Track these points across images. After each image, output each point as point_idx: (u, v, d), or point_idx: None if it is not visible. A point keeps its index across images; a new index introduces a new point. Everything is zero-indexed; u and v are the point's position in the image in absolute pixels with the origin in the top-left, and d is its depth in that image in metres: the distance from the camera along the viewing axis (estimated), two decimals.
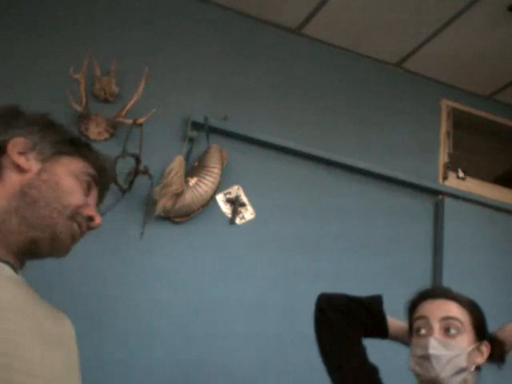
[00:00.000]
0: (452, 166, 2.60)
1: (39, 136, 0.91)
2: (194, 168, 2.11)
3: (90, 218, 0.93)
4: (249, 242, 2.15)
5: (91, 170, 0.97)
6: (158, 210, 1.98)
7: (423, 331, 1.28)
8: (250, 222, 2.18)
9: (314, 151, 2.33)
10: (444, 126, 2.66)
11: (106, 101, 2.11)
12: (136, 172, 1.98)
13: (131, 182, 1.97)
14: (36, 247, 0.86)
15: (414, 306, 1.39)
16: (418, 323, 1.31)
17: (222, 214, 2.15)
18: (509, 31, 2.38)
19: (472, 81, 2.71)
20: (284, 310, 2.13)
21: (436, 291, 1.38)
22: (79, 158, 0.96)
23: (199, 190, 2.04)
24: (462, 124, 2.70)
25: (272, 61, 2.44)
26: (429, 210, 2.49)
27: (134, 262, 1.98)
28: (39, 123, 0.93)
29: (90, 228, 0.93)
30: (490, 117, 2.77)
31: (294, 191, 2.29)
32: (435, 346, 1.23)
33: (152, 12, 2.31)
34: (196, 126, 2.17)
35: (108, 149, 2.03)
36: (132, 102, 2.03)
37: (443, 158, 2.60)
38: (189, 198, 2.02)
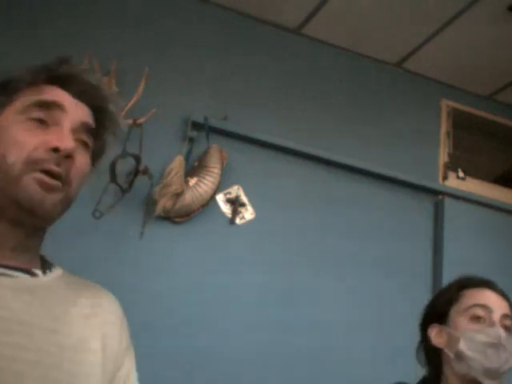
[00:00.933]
0: (452, 165, 2.60)
1: None
2: (193, 168, 2.11)
3: (55, 150, 0.74)
4: (249, 242, 2.15)
5: (33, 97, 0.78)
6: (158, 209, 1.98)
7: (483, 320, 1.25)
8: (250, 222, 2.18)
9: (313, 151, 2.33)
10: (444, 126, 2.66)
11: None
12: (136, 172, 1.98)
13: (131, 182, 1.97)
14: (22, 225, 0.75)
15: (462, 288, 1.32)
16: (476, 310, 1.26)
17: (222, 213, 2.15)
18: (509, 31, 2.38)
19: (472, 81, 2.70)
20: (284, 310, 2.12)
21: (495, 284, 1.35)
22: (17, 100, 0.79)
23: (199, 190, 2.04)
24: (462, 124, 2.70)
25: (272, 61, 2.44)
26: (429, 210, 2.49)
27: (134, 262, 1.98)
28: None
29: (64, 157, 0.75)
30: (490, 117, 2.77)
31: (294, 191, 2.29)
32: (505, 337, 1.22)
33: (152, 12, 2.31)
34: (196, 126, 2.17)
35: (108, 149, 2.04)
36: (132, 102, 2.02)
37: (443, 157, 2.60)
38: (189, 198, 2.02)
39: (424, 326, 1.37)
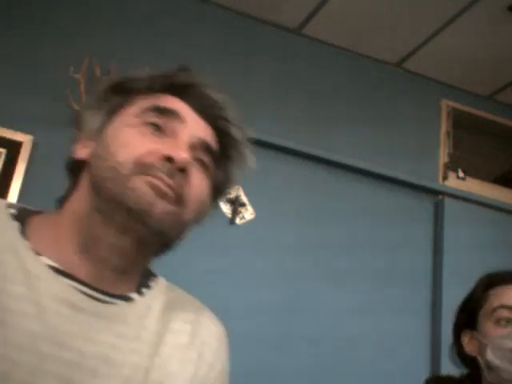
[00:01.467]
0: (452, 165, 2.59)
1: (88, 111, 0.76)
2: None
3: (169, 159, 0.66)
4: (249, 242, 2.15)
5: (152, 101, 0.72)
6: None
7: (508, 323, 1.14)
8: (250, 222, 2.18)
9: (313, 151, 2.33)
10: (444, 126, 2.66)
11: None
12: None
13: None
14: (125, 231, 0.67)
15: (488, 287, 1.22)
16: (502, 312, 1.15)
17: (222, 213, 2.15)
18: (509, 31, 2.38)
19: (472, 81, 2.70)
20: (284, 310, 2.12)
21: None
22: (134, 103, 0.73)
23: None
24: (462, 124, 2.70)
25: (272, 61, 2.44)
26: (429, 210, 2.49)
27: None
28: (95, 98, 0.76)
29: (177, 170, 0.67)
30: (490, 117, 2.77)
31: (294, 191, 2.29)
32: None
33: (152, 12, 2.31)
34: None
35: None
36: None
37: (443, 157, 2.60)
38: None
39: (457, 331, 1.25)
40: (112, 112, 0.73)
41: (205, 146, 0.72)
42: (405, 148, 2.54)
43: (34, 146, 1.96)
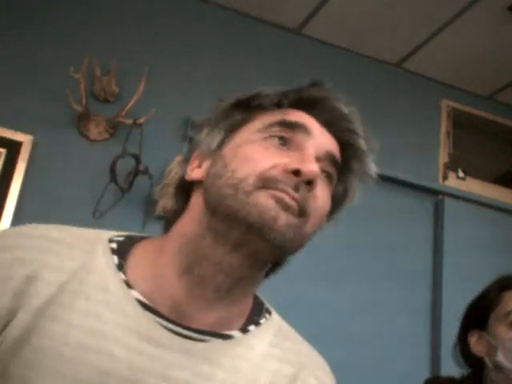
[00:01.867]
0: (452, 165, 2.59)
1: (206, 128, 0.72)
2: None
3: (296, 173, 0.64)
4: None
5: (277, 116, 0.69)
6: (158, 209, 1.98)
7: None
8: None
9: None
10: (444, 126, 2.66)
11: (105, 101, 2.11)
12: (136, 172, 1.98)
13: (131, 182, 1.97)
14: (255, 259, 0.65)
15: (502, 290, 1.21)
16: None
17: None
18: (509, 31, 2.38)
19: (472, 81, 2.70)
20: (283, 310, 2.12)
21: None
22: (257, 119, 0.70)
23: None
24: (462, 124, 2.70)
25: (272, 61, 2.44)
26: (429, 210, 2.49)
27: None
28: (209, 119, 0.73)
29: (304, 183, 0.64)
30: (490, 117, 2.77)
31: None
32: None
33: (152, 12, 2.31)
34: (196, 126, 2.17)
35: (108, 149, 2.04)
36: (132, 102, 2.03)
37: (443, 157, 2.60)
38: None
39: (464, 330, 1.25)
40: (232, 129, 0.70)
41: (330, 158, 0.70)
42: (405, 148, 2.54)
43: (34, 146, 1.96)
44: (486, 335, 1.18)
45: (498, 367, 1.13)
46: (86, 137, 2.03)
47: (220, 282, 0.65)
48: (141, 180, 2.00)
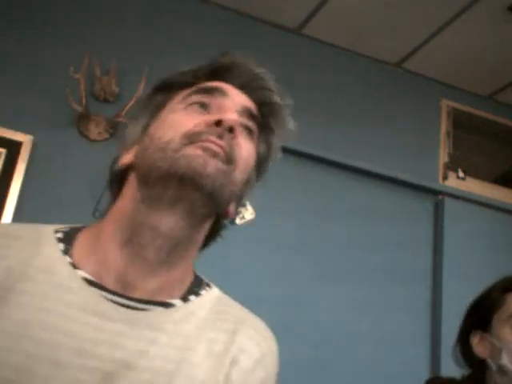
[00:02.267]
0: (452, 165, 2.60)
1: (133, 120, 0.77)
2: None
3: (217, 123, 0.69)
4: (249, 242, 2.15)
5: (199, 86, 0.74)
6: None
7: None
8: (250, 222, 2.18)
9: (314, 151, 2.33)
10: (444, 126, 2.66)
11: (105, 101, 2.11)
12: None
13: None
14: (180, 194, 0.67)
15: (505, 291, 1.20)
16: None
17: None
18: (509, 31, 2.38)
19: (472, 81, 2.70)
20: (284, 310, 2.12)
21: None
22: (176, 95, 0.75)
23: None
24: (462, 124, 2.70)
25: (272, 61, 2.43)
26: (429, 210, 2.49)
27: None
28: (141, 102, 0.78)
29: (227, 131, 0.69)
30: (490, 117, 2.77)
31: (294, 191, 2.29)
32: None
33: (152, 12, 2.31)
34: None
35: (108, 149, 2.04)
36: (132, 102, 2.02)
37: (443, 157, 2.60)
38: None
39: (465, 331, 1.23)
40: (156, 111, 0.75)
41: (248, 113, 0.75)
42: (405, 148, 2.54)
43: (34, 146, 1.96)
44: (489, 336, 1.17)
45: (503, 370, 1.12)
46: (86, 137, 2.03)
47: (159, 246, 0.69)
48: None
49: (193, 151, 0.66)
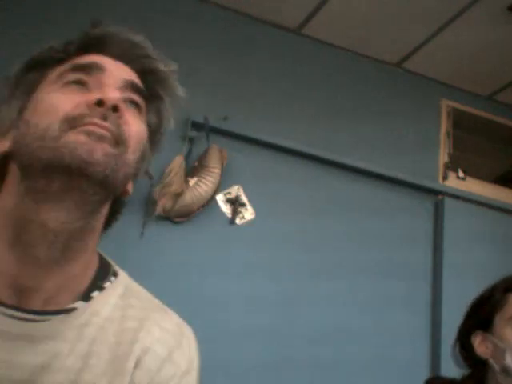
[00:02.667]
0: (452, 165, 2.60)
1: (4, 104, 0.69)
2: (193, 168, 2.11)
3: (99, 103, 0.62)
4: (249, 242, 2.15)
5: (74, 62, 0.68)
6: (158, 209, 1.98)
7: None
8: (250, 222, 2.18)
9: (314, 151, 2.33)
10: (444, 126, 2.66)
11: None
12: None
13: None
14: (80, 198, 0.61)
15: (507, 291, 1.20)
16: None
17: (222, 214, 2.15)
18: (509, 31, 2.38)
19: (472, 81, 2.70)
20: (284, 309, 2.12)
21: None
22: (49, 73, 0.69)
23: (199, 190, 2.04)
24: (462, 124, 2.70)
25: (272, 61, 2.44)
26: (429, 210, 2.49)
27: (134, 262, 1.97)
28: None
29: (111, 111, 0.63)
30: (490, 117, 2.77)
31: (294, 191, 2.29)
32: None
33: (152, 12, 2.31)
34: (196, 126, 2.17)
35: None
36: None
37: (443, 157, 2.60)
38: (189, 198, 2.02)
39: (466, 331, 1.22)
40: (29, 92, 0.68)
41: (132, 86, 0.69)
42: (405, 148, 2.54)
43: None
44: (491, 337, 1.16)
45: (507, 371, 1.11)
46: None
47: (50, 243, 0.62)
48: (141, 180, 1.99)
49: (75, 137, 0.59)
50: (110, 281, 0.71)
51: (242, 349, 2.03)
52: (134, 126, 0.66)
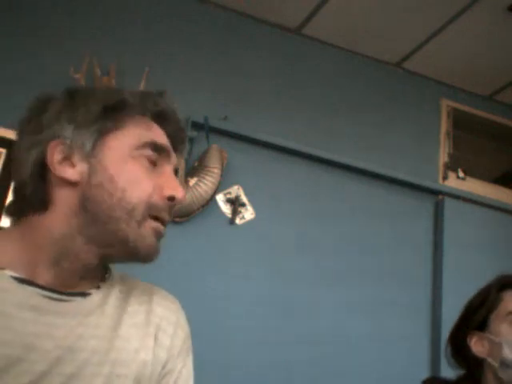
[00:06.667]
0: (452, 165, 2.60)
1: (70, 123, 0.76)
2: (193, 168, 2.12)
3: (171, 198, 0.77)
4: (249, 242, 2.15)
5: (148, 134, 0.79)
6: None
7: None
8: (250, 222, 2.18)
9: (313, 151, 2.33)
10: (444, 126, 2.66)
11: None
12: None
13: None
14: (111, 260, 0.80)
15: (501, 290, 1.22)
16: None
17: (222, 214, 2.15)
18: (509, 31, 2.38)
19: (472, 81, 2.71)
20: (283, 310, 2.13)
21: None
22: (126, 128, 0.78)
23: (199, 189, 2.04)
24: (461, 124, 2.70)
25: (272, 61, 2.44)
26: (429, 210, 2.49)
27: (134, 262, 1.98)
28: (63, 105, 0.77)
29: (175, 205, 0.79)
30: (490, 117, 2.77)
31: (294, 191, 2.29)
32: None
33: (152, 12, 2.31)
34: (196, 125, 2.17)
35: None
36: None
37: (443, 157, 2.60)
38: (189, 198, 2.02)
39: (462, 332, 1.24)
40: (103, 133, 0.76)
41: (176, 170, 0.85)
42: (405, 148, 2.54)
43: None
44: (487, 335, 1.18)
45: (506, 363, 1.13)
46: None
47: (79, 272, 0.77)
48: None
49: (151, 236, 0.77)
50: (108, 273, 0.84)
51: (242, 349, 2.03)
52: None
